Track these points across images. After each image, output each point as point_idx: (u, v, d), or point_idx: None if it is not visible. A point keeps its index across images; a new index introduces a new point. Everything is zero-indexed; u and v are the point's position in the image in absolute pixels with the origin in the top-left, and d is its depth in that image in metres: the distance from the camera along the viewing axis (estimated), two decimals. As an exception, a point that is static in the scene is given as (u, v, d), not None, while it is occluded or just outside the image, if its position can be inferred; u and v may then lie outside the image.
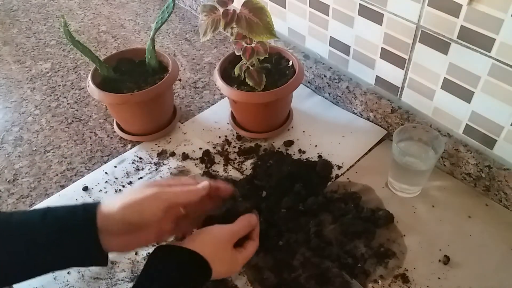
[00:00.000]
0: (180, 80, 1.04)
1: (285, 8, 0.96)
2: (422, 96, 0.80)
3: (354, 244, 0.70)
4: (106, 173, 0.84)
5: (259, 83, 0.80)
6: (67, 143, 0.91)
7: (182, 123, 0.94)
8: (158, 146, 0.89)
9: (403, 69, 0.80)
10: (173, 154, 0.87)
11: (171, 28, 1.22)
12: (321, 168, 0.81)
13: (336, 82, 0.92)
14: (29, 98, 1.02)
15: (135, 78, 0.86)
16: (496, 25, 0.62)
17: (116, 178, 0.82)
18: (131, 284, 0.68)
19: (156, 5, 1.31)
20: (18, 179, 0.84)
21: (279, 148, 0.87)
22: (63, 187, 0.82)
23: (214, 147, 0.88)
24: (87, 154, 0.88)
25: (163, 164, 0.85)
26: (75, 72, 1.08)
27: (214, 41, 1.16)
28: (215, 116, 0.95)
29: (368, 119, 0.91)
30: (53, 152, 0.89)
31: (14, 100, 1.02)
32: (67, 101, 1.01)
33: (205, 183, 0.59)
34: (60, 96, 1.02)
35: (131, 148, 0.89)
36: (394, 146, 0.72)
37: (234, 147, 0.88)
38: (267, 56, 0.78)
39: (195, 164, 0.85)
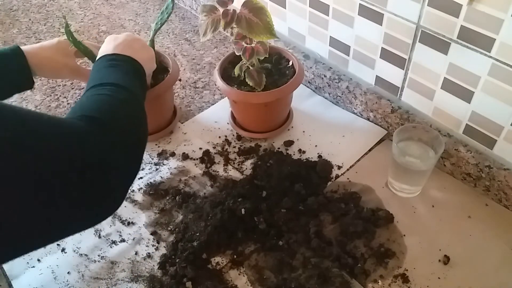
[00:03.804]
0: (180, 80, 1.04)
1: (285, 8, 0.96)
2: (422, 96, 0.80)
3: (354, 244, 0.70)
4: (106, 173, 0.84)
5: (259, 83, 0.80)
6: (67, 143, 0.91)
7: (182, 123, 0.94)
8: (158, 146, 0.89)
9: (403, 69, 0.80)
10: (173, 154, 0.87)
11: (171, 28, 1.22)
12: (321, 168, 0.81)
13: (336, 82, 0.92)
14: (29, 98, 1.02)
15: (135, 78, 0.86)
16: (496, 25, 0.62)
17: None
18: (131, 284, 0.68)
19: (156, 5, 1.31)
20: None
21: (279, 148, 0.87)
22: (63, 187, 0.82)
23: (214, 147, 0.88)
24: (87, 154, 0.88)
25: (163, 164, 0.85)
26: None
27: (214, 41, 1.16)
28: (215, 116, 0.95)
29: (368, 119, 0.91)
30: (53, 152, 0.89)
31: (14, 100, 1.02)
32: (67, 101, 1.01)
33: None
34: (60, 96, 1.02)
35: (131, 148, 0.88)
36: (394, 146, 0.72)
37: (234, 147, 0.88)
38: (267, 56, 0.78)
39: (195, 164, 0.85)
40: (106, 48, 0.68)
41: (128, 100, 0.59)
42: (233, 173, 0.83)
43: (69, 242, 0.74)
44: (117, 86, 0.59)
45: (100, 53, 0.68)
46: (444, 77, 0.74)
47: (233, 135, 0.90)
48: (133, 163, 0.55)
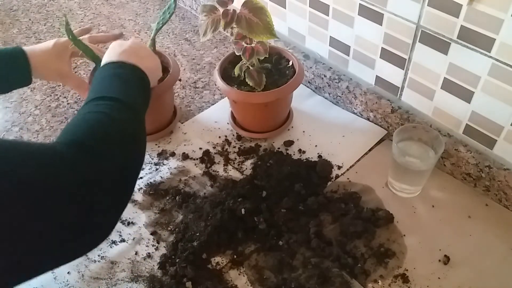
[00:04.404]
0: (180, 80, 1.04)
1: (285, 8, 0.96)
2: (422, 96, 0.80)
3: (354, 244, 0.70)
4: (106, 173, 0.84)
5: (259, 83, 0.80)
6: (67, 143, 0.91)
7: (182, 123, 0.94)
8: (158, 146, 0.89)
9: (403, 69, 0.80)
10: (173, 154, 0.87)
11: (171, 28, 1.22)
12: (321, 168, 0.81)
13: (336, 82, 0.92)
14: (29, 98, 1.02)
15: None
16: (496, 25, 0.62)
17: (116, 178, 0.82)
18: (131, 284, 0.68)
19: (156, 5, 1.31)
20: (18, 179, 0.84)
21: (279, 148, 0.87)
22: (63, 187, 0.82)
23: (214, 147, 0.88)
24: (87, 154, 0.88)
25: (163, 164, 0.85)
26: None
27: (214, 41, 1.16)
28: (215, 116, 0.95)
29: (368, 119, 0.91)
30: (53, 152, 0.89)
31: (14, 100, 1.02)
32: (67, 101, 1.01)
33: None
34: (60, 96, 1.02)
35: (131, 148, 0.88)
36: (394, 146, 0.72)
37: (234, 147, 0.88)
38: (267, 56, 0.78)
39: (195, 164, 0.85)
40: (111, 54, 0.67)
41: (126, 119, 0.57)
42: (233, 173, 0.83)
43: (69, 242, 0.74)
44: (117, 102, 0.57)
45: (105, 60, 0.67)
46: (444, 77, 0.74)
47: (233, 135, 0.90)
48: (124, 190, 0.53)
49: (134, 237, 0.74)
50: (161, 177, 0.83)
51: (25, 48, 0.74)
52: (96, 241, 0.49)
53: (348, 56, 0.89)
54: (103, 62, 0.67)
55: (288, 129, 0.91)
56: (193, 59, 1.11)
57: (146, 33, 1.20)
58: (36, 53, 0.74)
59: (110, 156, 0.51)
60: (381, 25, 0.78)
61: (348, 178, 0.81)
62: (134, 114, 0.59)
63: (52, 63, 0.76)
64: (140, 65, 0.67)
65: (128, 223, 0.76)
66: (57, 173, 0.44)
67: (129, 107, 0.58)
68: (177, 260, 0.69)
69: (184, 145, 0.89)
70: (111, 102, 0.57)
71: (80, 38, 0.78)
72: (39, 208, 0.41)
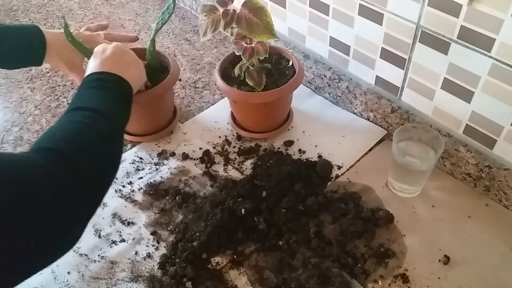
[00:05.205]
0: (180, 80, 1.04)
1: (285, 8, 0.96)
2: (422, 96, 0.80)
3: (354, 244, 0.70)
4: (106, 173, 0.83)
5: (259, 83, 0.80)
6: (67, 143, 0.91)
7: (182, 123, 0.94)
8: (158, 146, 0.89)
9: (403, 69, 0.80)
10: (173, 154, 0.87)
11: (171, 28, 1.22)
12: (321, 168, 0.81)
13: (336, 82, 0.92)
14: (29, 98, 1.02)
15: (135, 78, 0.86)
16: (496, 25, 0.62)
17: (116, 178, 0.82)
18: (131, 284, 0.68)
19: (156, 5, 1.31)
20: (18, 179, 0.83)
21: (279, 148, 0.87)
22: (63, 187, 0.82)
23: (214, 147, 0.88)
24: (87, 154, 0.88)
25: (163, 164, 0.85)
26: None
27: (214, 41, 1.16)
28: (215, 116, 0.95)
29: (368, 119, 0.91)
30: (53, 152, 0.89)
31: (14, 100, 1.02)
32: (67, 101, 1.01)
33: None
34: (60, 96, 1.02)
35: (131, 148, 0.89)
36: (394, 146, 0.72)
37: (234, 147, 0.88)
38: (267, 56, 0.78)
39: (195, 164, 0.85)
40: (94, 63, 0.67)
41: (104, 130, 0.57)
42: (233, 173, 0.83)
43: (69, 242, 0.74)
44: (97, 113, 0.57)
45: (89, 69, 0.67)
46: (444, 77, 0.74)
47: (233, 135, 0.90)
48: (96, 198, 0.53)
49: (134, 237, 0.74)
50: (161, 177, 0.83)
51: (42, 28, 0.74)
52: (65, 248, 0.49)
53: (348, 56, 0.89)
54: (87, 71, 0.67)
55: (288, 129, 0.91)
56: (193, 59, 1.11)
57: (146, 33, 1.20)
58: (53, 36, 0.74)
59: (86, 164, 0.51)
60: (381, 25, 0.78)
61: (348, 178, 0.81)
62: (113, 126, 0.59)
63: (66, 50, 0.76)
64: (122, 73, 0.66)
65: (128, 223, 0.76)
66: (32, 181, 0.44)
67: (108, 118, 0.58)
68: (177, 260, 0.69)
69: (184, 145, 0.89)
70: (90, 113, 0.57)
71: (95, 33, 0.80)
72: (13, 218, 0.41)
